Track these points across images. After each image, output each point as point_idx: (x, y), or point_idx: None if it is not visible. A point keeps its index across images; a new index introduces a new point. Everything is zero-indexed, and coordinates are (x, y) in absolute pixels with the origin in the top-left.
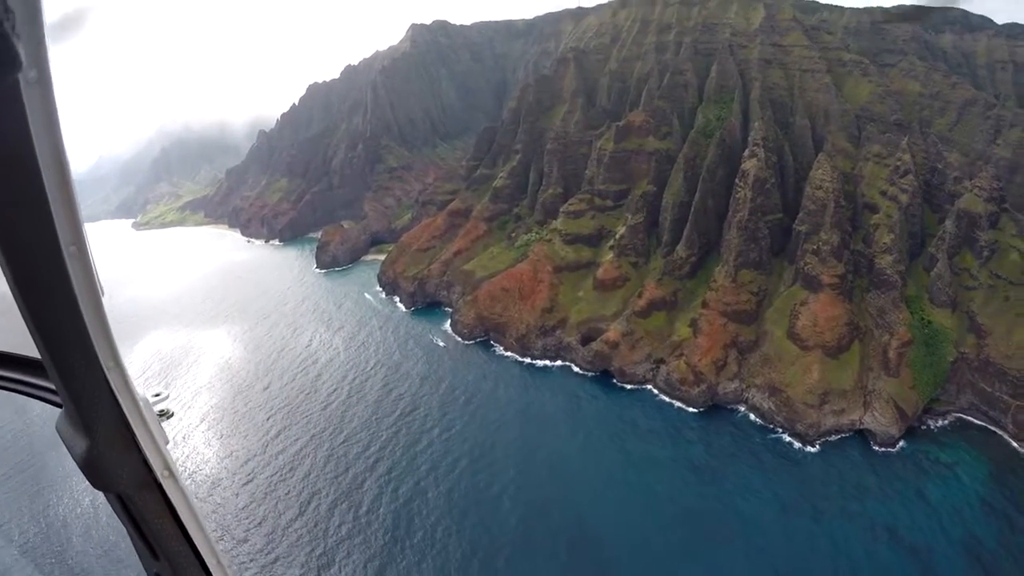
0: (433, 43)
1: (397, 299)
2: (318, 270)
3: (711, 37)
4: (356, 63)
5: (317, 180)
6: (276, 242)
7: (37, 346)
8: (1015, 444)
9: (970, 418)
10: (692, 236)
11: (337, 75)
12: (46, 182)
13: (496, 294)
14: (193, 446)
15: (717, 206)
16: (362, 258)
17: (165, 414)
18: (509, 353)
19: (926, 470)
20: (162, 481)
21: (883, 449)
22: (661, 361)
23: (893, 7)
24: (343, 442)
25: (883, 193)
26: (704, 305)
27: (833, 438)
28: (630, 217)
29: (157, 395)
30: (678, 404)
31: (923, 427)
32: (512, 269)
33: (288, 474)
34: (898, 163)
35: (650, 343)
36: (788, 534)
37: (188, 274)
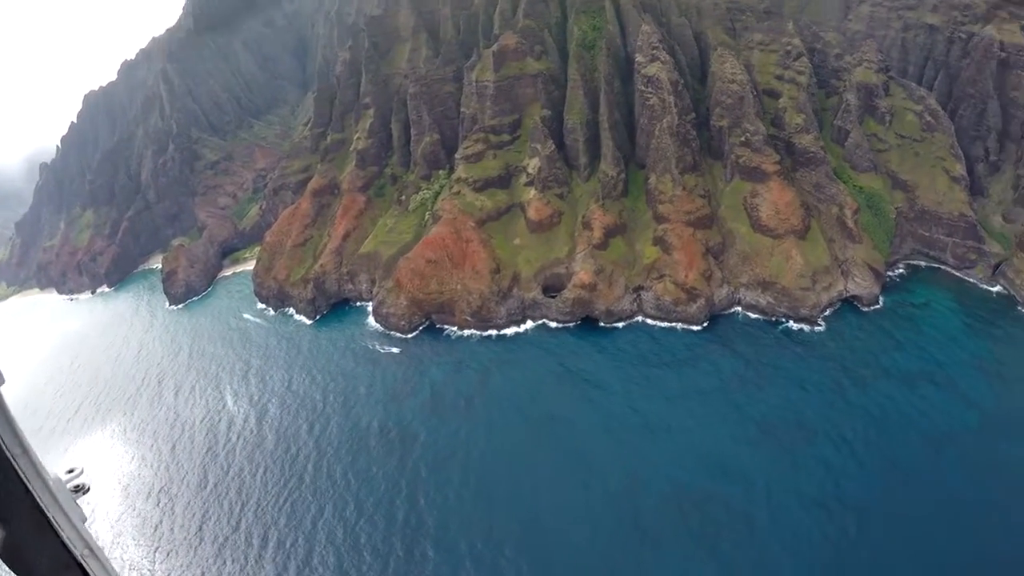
0: (217, 14)
1: (292, 311)
2: (174, 307)
3: None
4: (133, 57)
5: (130, 201)
6: (105, 289)
7: None
8: (958, 273)
9: (917, 262)
10: (616, 153)
11: (114, 76)
12: None
13: (422, 270)
14: None
15: (623, 118)
16: (219, 276)
17: (81, 489)
18: (468, 332)
19: (913, 314)
20: (83, 561)
21: (871, 308)
22: (640, 289)
23: None
24: (377, 529)
25: (779, 78)
26: (662, 219)
27: (827, 313)
28: (540, 147)
29: (71, 471)
30: (680, 326)
31: (885, 280)
32: (428, 236)
33: None
34: (788, 48)
35: (623, 274)
36: (872, 397)
37: (19, 370)
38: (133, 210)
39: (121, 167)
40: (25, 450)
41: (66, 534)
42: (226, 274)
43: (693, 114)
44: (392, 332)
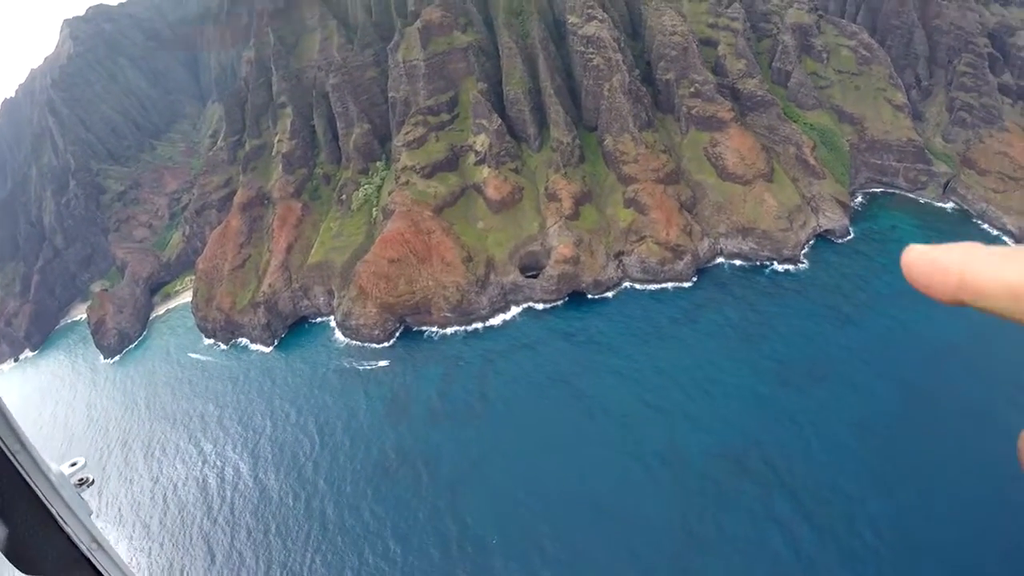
0: (97, 34)
1: (245, 341)
2: (109, 360)
3: None
4: (13, 94)
5: (37, 251)
6: (29, 354)
7: None
8: (913, 195)
9: (873, 190)
10: (566, 119)
11: None
12: None
13: (385, 271)
14: None
15: (565, 83)
16: (152, 316)
17: (85, 482)
18: (451, 329)
19: (885, 238)
20: (91, 556)
21: (844, 240)
22: (621, 254)
23: None
24: (432, 563)
25: (712, 26)
26: (629, 180)
27: (805, 251)
28: (485, 123)
29: (73, 464)
30: (671, 285)
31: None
32: (384, 234)
33: None
34: None
35: (601, 241)
36: (875, 320)
37: None
38: (42, 260)
39: (20, 215)
40: (24, 446)
41: (71, 528)
42: (159, 313)
43: (637, 70)
44: (366, 344)
